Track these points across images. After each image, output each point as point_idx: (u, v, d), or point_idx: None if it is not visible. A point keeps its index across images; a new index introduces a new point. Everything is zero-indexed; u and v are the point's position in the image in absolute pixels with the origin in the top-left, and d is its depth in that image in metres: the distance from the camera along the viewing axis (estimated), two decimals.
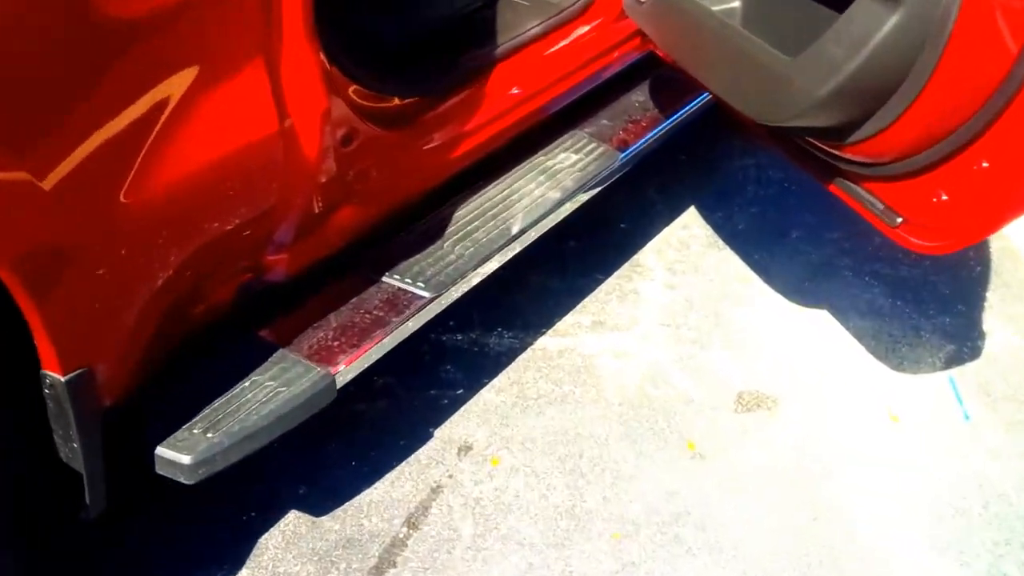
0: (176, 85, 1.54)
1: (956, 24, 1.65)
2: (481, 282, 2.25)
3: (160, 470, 1.74)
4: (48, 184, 1.40)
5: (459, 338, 2.64)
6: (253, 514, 2.20)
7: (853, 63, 1.78)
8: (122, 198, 1.52)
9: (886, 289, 2.87)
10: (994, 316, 2.81)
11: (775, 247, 2.99)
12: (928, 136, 1.87)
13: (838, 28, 1.83)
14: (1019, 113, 1.68)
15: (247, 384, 1.85)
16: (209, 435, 1.73)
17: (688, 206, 3.15)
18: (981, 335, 2.75)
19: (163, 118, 1.53)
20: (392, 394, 2.49)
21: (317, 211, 1.95)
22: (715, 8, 2.19)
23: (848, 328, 2.74)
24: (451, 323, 2.65)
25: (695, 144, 3.33)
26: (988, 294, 2.88)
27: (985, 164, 1.79)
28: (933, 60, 1.75)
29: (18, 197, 1.37)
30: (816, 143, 2.10)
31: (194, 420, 1.76)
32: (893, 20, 1.73)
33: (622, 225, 3.08)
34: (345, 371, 1.95)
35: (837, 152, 2.07)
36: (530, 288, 2.81)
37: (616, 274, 2.89)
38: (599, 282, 2.86)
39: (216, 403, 1.80)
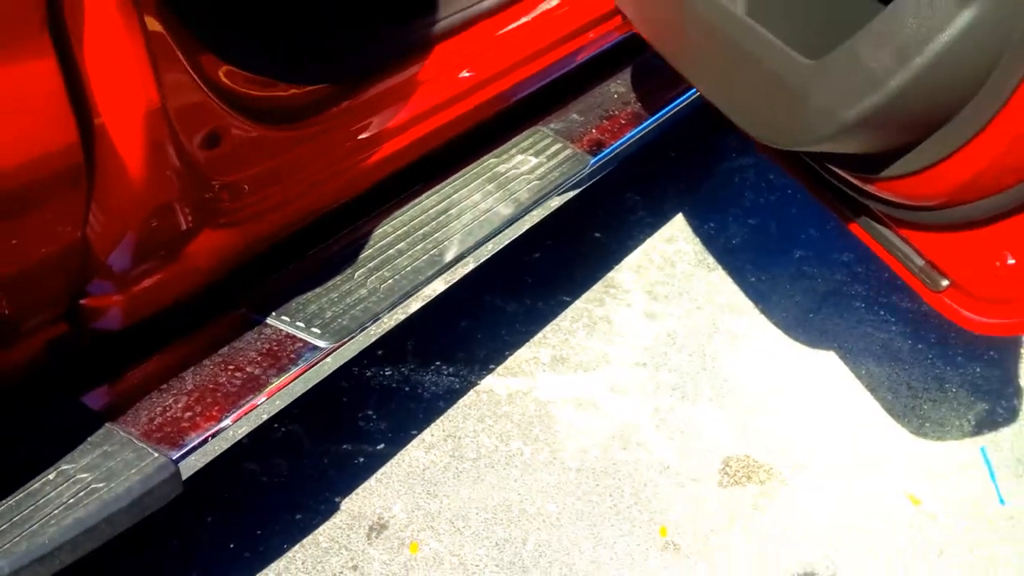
0: None
1: None
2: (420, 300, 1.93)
3: None
4: None
5: (387, 373, 2.32)
6: None
7: (901, 76, 1.32)
8: None
9: (905, 327, 2.55)
10: None
11: (775, 269, 2.70)
12: (996, 177, 1.43)
13: (881, 24, 1.35)
14: None
15: (51, 478, 1.43)
16: None
17: (675, 214, 2.86)
18: (1018, 392, 2.42)
19: None
20: (295, 448, 2.14)
21: (165, 238, 1.58)
22: None
23: (860, 376, 2.42)
24: (379, 352, 2.33)
25: (684, 140, 3.07)
26: None
27: None
28: (1014, 76, 1.28)
29: None
30: (839, 172, 1.62)
31: None
32: (965, 18, 1.24)
33: (596, 235, 2.78)
34: (196, 456, 1.54)
35: (867, 187, 1.62)
36: (480, 311, 2.49)
37: (585, 297, 2.58)
38: (564, 306, 2.55)
39: None
